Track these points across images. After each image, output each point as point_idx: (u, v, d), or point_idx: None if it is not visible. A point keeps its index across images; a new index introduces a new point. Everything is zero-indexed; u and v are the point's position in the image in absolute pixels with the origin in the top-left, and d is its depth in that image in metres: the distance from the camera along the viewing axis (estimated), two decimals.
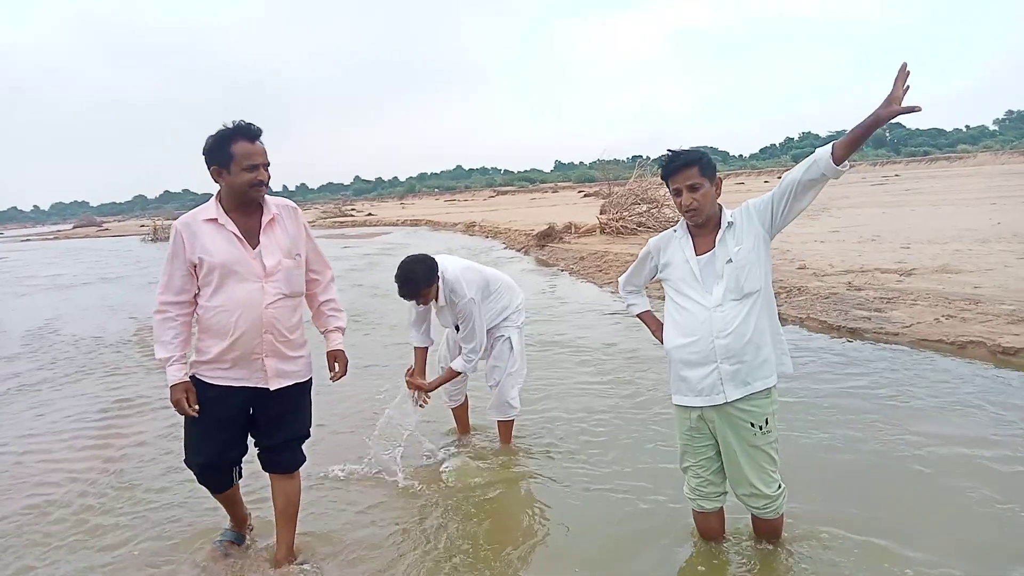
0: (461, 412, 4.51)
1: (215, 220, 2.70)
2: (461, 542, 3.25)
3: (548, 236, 17.12)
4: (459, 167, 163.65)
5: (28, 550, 3.43)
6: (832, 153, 2.52)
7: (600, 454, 4.14)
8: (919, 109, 2.41)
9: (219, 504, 3.15)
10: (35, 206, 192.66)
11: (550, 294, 10.50)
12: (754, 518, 2.90)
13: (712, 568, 2.87)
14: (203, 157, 2.70)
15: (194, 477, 2.95)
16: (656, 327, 3.04)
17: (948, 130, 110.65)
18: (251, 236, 2.73)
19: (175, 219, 2.91)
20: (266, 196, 2.79)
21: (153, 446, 4.73)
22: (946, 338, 5.79)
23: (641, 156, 20.29)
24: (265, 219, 2.77)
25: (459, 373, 4.01)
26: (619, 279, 3.20)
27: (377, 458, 4.10)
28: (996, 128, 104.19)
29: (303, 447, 3.04)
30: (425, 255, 3.88)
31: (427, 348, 4.13)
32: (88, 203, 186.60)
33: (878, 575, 2.75)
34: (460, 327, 3.93)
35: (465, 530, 3.37)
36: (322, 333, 3.07)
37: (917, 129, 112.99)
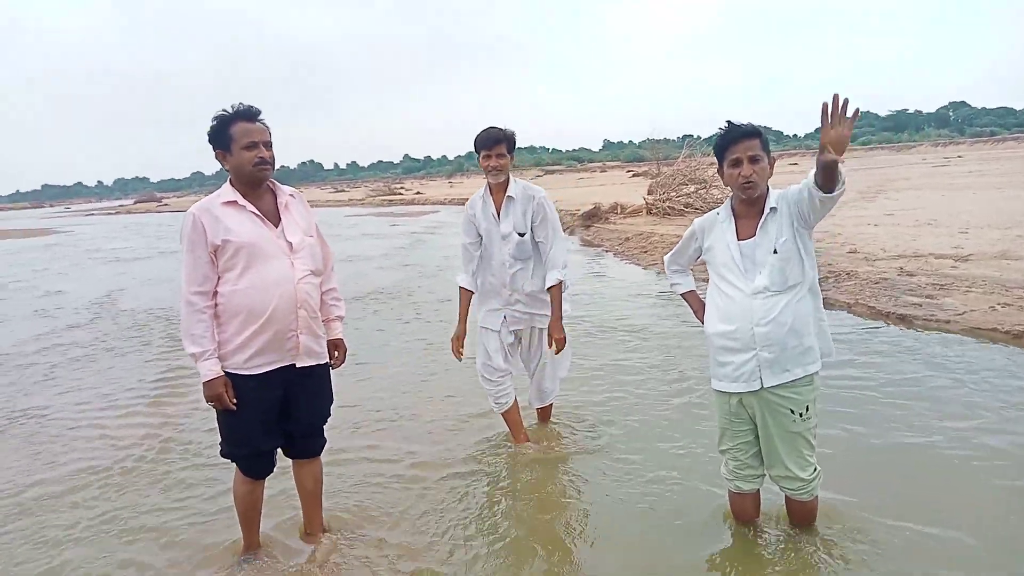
0: (512, 415, 4.06)
1: (234, 202, 2.71)
2: (497, 523, 3.33)
3: (594, 216, 17.05)
4: None
5: (80, 511, 3.66)
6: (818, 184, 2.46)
7: (639, 436, 4.17)
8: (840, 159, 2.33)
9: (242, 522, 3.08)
10: (99, 181, 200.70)
11: (595, 275, 10.49)
12: (788, 499, 2.90)
13: (745, 551, 2.90)
14: (209, 144, 2.74)
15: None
16: (698, 307, 3.04)
17: (1018, 109, 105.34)
18: (271, 217, 2.77)
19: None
20: (277, 183, 2.84)
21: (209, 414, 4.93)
22: (1001, 326, 5.62)
23: (691, 135, 19.92)
24: (281, 202, 2.82)
25: (561, 283, 3.70)
26: (664, 257, 3.19)
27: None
28: None
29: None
30: None
31: (472, 294, 3.92)
32: (148, 179, 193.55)
33: (909, 563, 2.74)
34: (538, 231, 3.73)
35: (503, 510, 3.45)
36: (323, 321, 3.02)
37: (984, 108, 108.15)
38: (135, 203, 73.62)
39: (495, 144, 3.63)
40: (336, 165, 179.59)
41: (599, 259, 12.31)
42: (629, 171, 51.76)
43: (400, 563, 2.99)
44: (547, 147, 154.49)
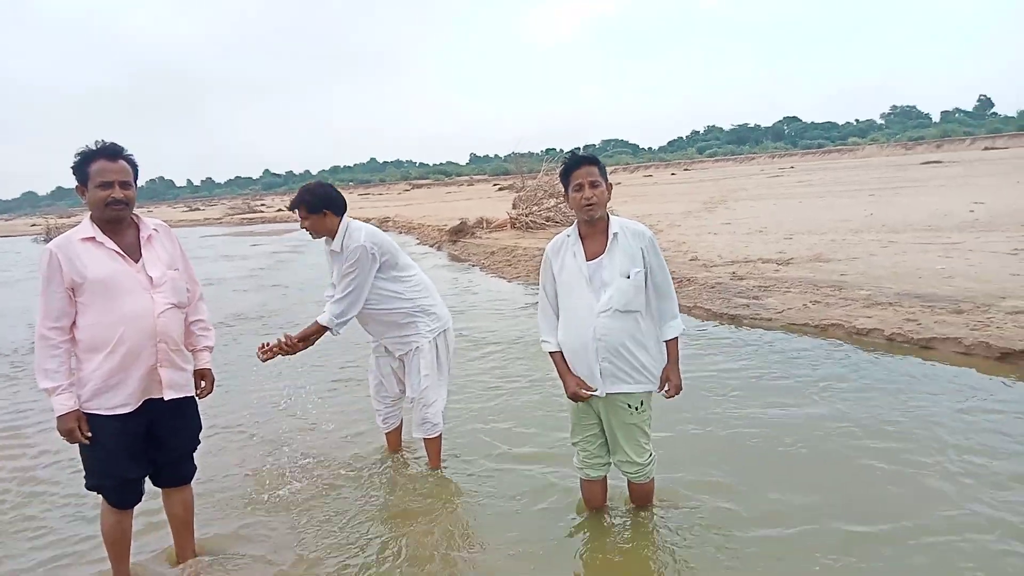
0: (394, 435, 4.32)
1: (92, 239, 2.74)
2: (371, 534, 3.50)
3: (460, 231, 17.41)
4: (373, 160, 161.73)
5: None
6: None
7: (502, 439, 4.50)
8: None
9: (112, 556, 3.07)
10: None
11: (462, 288, 10.80)
12: (629, 483, 3.32)
13: (595, 529, 3.31)
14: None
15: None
16: (563, 370, 3.15)
17: (840, 123, 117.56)
18: (132, 251, 2.80)
19: (68, 217, 2.90)
20: (141, 216, 2.91)
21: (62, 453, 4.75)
22: (811, 322, 6.45)
23: (554, 149, 20.76)
24: (144, 235, 2.87)
25: (324, 328, 3.67)
26: (539, 298, 3.31)
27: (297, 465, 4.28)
28: (883, 122, 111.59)
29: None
30: (338, 192, 3.75)
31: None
32: None
33: (725, 530, 3.24)
34: (341, 276, 3.69)
35: (377, 522, 3.62)
36: (191, 351, 3.07)
37: (812, 123, 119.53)
38: None
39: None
40: (189, 182, 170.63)
41: (466, 273, 12.64)
42: (496, 184, 52.88)
43: None
44: (414, 161, 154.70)
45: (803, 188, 24.06)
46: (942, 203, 14.57)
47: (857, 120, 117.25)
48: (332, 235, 3.74)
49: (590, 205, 2.97)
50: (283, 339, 3.63)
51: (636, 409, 3.10)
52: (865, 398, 4.68)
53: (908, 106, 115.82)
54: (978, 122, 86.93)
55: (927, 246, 9.43)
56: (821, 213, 14.79)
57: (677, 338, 3.14)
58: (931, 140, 66.03)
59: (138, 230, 2.89)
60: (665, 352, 3.14)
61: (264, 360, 3.64)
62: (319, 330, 3.67)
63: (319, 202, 3.67)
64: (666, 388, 3.13)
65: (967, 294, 6.61)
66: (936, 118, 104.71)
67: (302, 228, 3.73)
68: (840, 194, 19.77)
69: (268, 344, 3.63)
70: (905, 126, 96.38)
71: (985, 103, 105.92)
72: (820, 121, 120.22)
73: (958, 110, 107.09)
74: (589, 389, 3.06)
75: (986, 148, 49.73)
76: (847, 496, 3.44)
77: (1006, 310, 5.97)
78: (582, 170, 2.98)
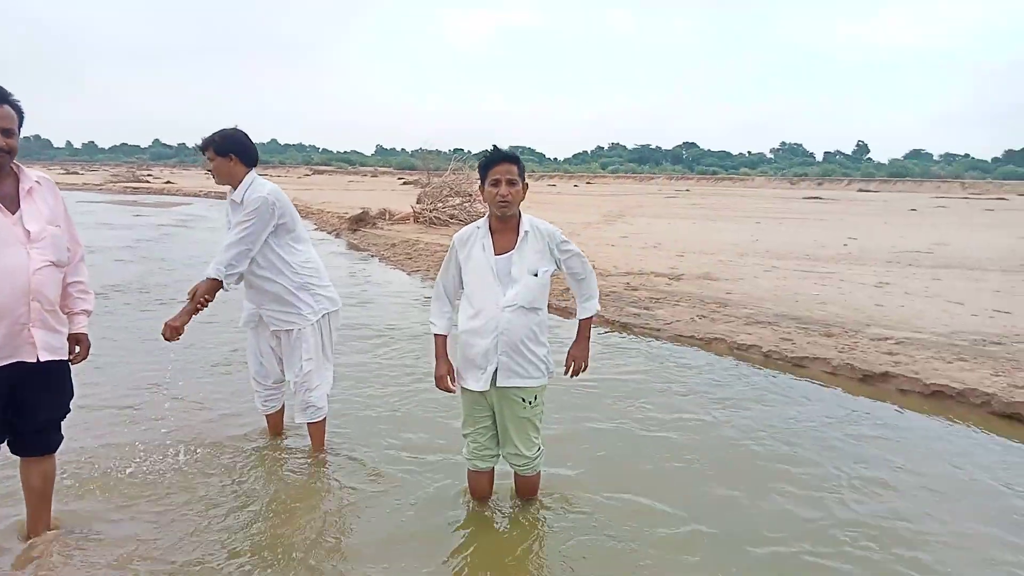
0: (275, 417, 4.19)
1: None
2: (243, 518, 3.37)
3: (362, 220, 17.08)
4: (274, 141, 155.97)
5: None
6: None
7: (390, 429, 4.44)
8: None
9: None
10: None
11: (362, 279, 10.59)
12: (515, 475, 3.37)
13: (479, 520, 3.33)
14: None
15: None
16: (441, 354, 3.21)
17: (734, 153, 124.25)
18: (9, 202, 2.63)
19: None
20: (23, 167, 2.73)
21: None
22: (697, 335, 6.76)
23: (462, 149, 20.77)
24: (24, 187, 2.69)
25: (216, 281, 3.50)
26: (435, 284, 3.32)
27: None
28: (772, 156, 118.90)
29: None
30: (252, 143, 3.64)
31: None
32: None
33: (607, 524, 3.33)
34: (236, 224, 3.53)
35: (250, 505, 3.50)
36: (66, 314, 2.90)
37: (709, 150, 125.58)
38: None
39: None
40: (69, 144, 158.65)
41: (365, 263, 12.41)
42: (400, 178, 52.30)
43: (135, 562, 2.94)
44: (318, 146, 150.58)
45: (697, 210, 25.19)
46: (820, 235, 15.65)
47: (749, 152, 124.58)
48: (235, 185, 3.60)
49: (505, 202, 3.00)
50: (197, 303, 3.44)
51: (530, 404, 3.16)
52: (746, 408, 4.94)
53: (795, 144, 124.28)
54: (855, 165, 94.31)
55: (805, 273, 10.10)
56: (712, 235, 15.55)
57: (591, 319, 3.26)
58: (814, 177, 70.94)
59: (18, 181, 2.68)
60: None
61: (175, 339, 3.46)
62: (212, 284, 3.50)
63: (229, 145, 3.55)
64: (571, 366, 3.30)
65: (837, 319, 7.13)
66: (819, 157, 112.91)
67: (206, 171, 3.59)
68: (730, 219, 20.84)
69: (172, 321, 3.43)
70: (792, 162, 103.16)
71: (862, 148, 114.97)
72: (716, 150, 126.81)
73: (839, 152, 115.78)
74: (453, 383, 3.19)
75: (860, 190, 53.89)
76: (739, 505, 3.58)
77: (870, 336, 6.47)
78: (502, 167, 3.01)
